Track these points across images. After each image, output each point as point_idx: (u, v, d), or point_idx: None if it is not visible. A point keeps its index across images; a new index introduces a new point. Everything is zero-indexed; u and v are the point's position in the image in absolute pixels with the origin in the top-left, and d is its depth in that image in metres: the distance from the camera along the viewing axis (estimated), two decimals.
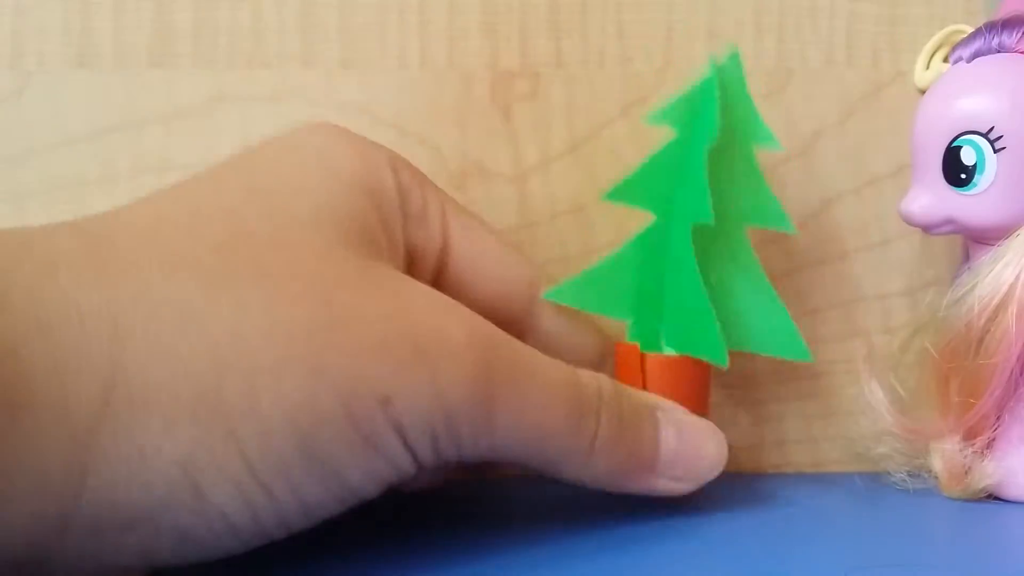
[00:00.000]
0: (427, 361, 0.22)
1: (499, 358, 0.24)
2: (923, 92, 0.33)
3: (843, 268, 0.36)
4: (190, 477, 0.20)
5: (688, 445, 0.28)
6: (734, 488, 0.31)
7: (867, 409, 0.32)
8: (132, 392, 0.20)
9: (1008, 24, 0.31)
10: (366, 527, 0.27)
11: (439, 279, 0.29)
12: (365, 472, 0.22)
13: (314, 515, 0.22)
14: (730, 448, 0.28)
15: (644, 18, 0.36)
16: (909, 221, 0.32)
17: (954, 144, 0.30)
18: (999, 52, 0.31)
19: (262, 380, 0.21)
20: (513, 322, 0.29)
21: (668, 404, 0.28)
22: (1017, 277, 0.29)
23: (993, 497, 0.30)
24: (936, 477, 0.31)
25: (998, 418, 0.30)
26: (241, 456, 0.21)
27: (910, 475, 0.31)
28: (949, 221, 0.31)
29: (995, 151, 0.30)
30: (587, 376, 0.26)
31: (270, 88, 0.35)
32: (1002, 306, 0.29)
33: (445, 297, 0.25)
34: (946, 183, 0.31)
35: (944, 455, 0.31)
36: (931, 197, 0.31)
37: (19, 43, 0.34)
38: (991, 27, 0.31)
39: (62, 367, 0.19)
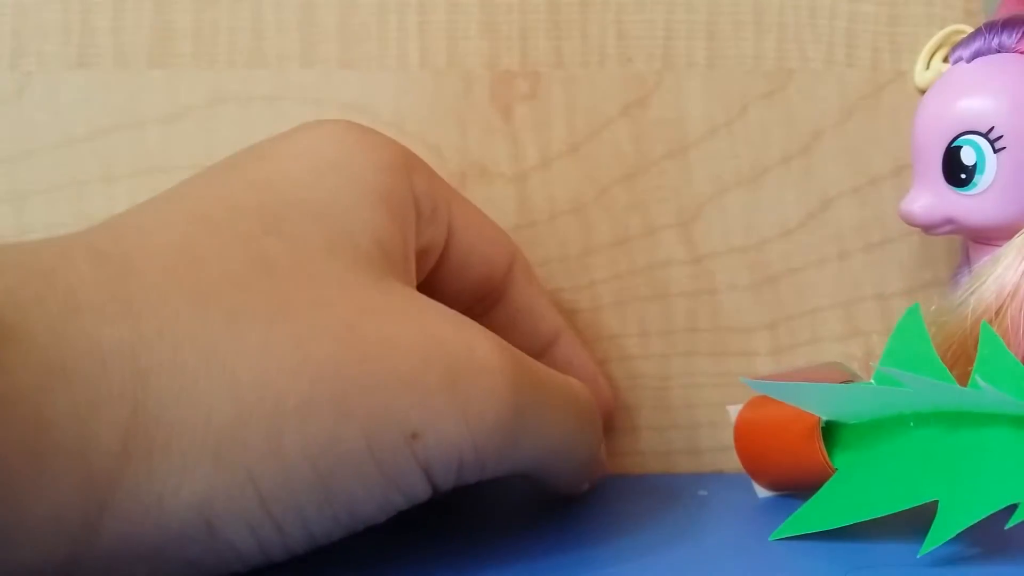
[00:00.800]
0: (458, 389, 0.22)
1: (525, 380, 0.23)
2: (923, 92, 0.33)
3: (843, 268, 0.35)
4: (205, 517, 0.20)
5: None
6: (735, 488, 0.31)
7: None
8: (152, 434, 0.20)
9: (1008, 24, 0.31)
10: None
11: (437, 266, 0.28)
12: (379, 505, 0.22)
13: (318, 543, 0.22)
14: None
15: (644, 18, 0.36)
16: (909, 221, 0.32)
17: (954, 144, 0.30)
18: (999, 52, 0.31)
19: (286, 423, 0.20)
20: (492, 294, 0.30)
21: None
22: (1018, 280, 0.29)
23: None
24: None
25: None
26: (257, 496, 0.20)
27: None
28: (949, 221, 0.31)
29: (995, 151, 0.30)
30: (579, 386, 0.26)
31: (270, 88, 0.35)
32: (1003, 309, 0.29)
33: (466, 319, 0.24)
34: (946, 183, 0.31)
35: None
36: (931, 197, 0.31)
37: (19, 43, 0.34)
38: (991, 27, 0.31)
39: (83, 411, 0.19)
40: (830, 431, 0.27)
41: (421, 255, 0.27)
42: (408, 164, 0.27)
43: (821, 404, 0.27)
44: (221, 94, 0.35)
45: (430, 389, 0.22)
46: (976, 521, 0.23)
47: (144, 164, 0.34)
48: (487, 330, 0.24)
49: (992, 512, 0.23)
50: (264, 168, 0.25)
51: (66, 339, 0.19)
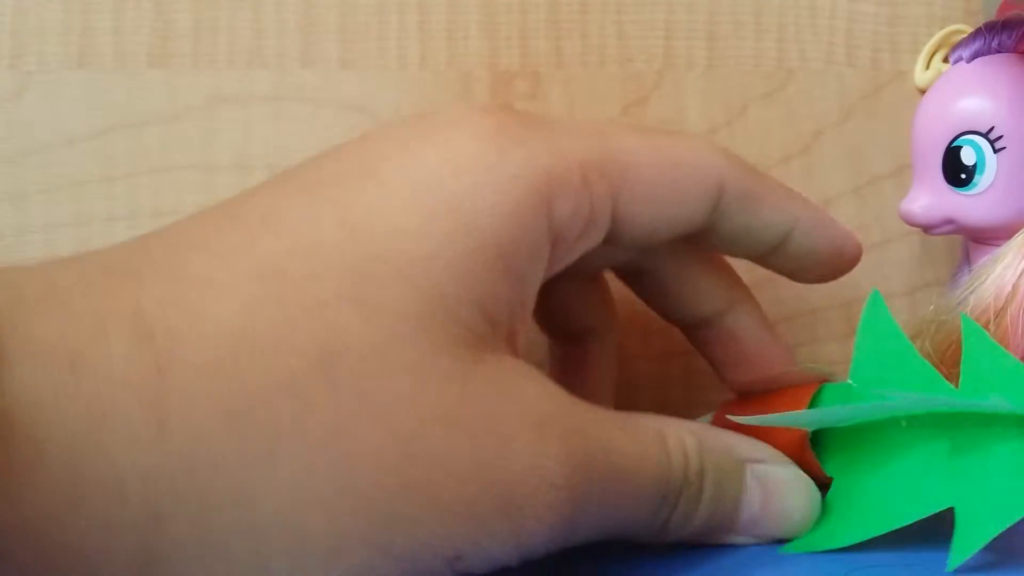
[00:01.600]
0: (513, 509, 0.20)
1: (594, 477, 0.22)
2: (923, 92, 0.33)
3: None
4: None
5: (773, 505, 0.25)
6: None
7: None
8: None
9: (1008, 24, 0.31)
10: None
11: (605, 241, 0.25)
12: None
13: None
14: None
15: (644, 18, 0.36)
16: (909, 221, 0.32)
17: (954, 144, 0.30)
18: (999, 52, 0.31)
19: (311, 563, 0.19)
20: (688, 236, 0.26)
21: (760, 454, 0.26)
22: (1018, 280, 0.29)
23: None
24: None
25: None
26: None
27: None
28: (949, 221, 0.31)
29: (995, 151, 0.30)
30: (676, 449, 0.24)
31: (270, 88, 0.35)
32: (1003, 309, 0.29)
33: (550, 415, 0.21)
34: (946, 183, 0.31)
35: None
36: (931, 197, 0.31)
37: (19, 43, 0.34)
38: (991, 27, 0.31)
39: (91, 549, 0.17)
40: (820, 432, 0.27)
41: (567, 261, 0.24)
42: (550, 189, 0.22)
43: (805, 423, 0.26)
44: (221, 94, 0.35)
45: (482, 515, 0.20)
46: (1006, 527, 0.22)
47: (144, 164, 0.34)
48: (564, 416, 0.22)
49: (1019, 518, 0.22)
50: (364, 199, 0.21)
51: (84, 460, 0.17)
